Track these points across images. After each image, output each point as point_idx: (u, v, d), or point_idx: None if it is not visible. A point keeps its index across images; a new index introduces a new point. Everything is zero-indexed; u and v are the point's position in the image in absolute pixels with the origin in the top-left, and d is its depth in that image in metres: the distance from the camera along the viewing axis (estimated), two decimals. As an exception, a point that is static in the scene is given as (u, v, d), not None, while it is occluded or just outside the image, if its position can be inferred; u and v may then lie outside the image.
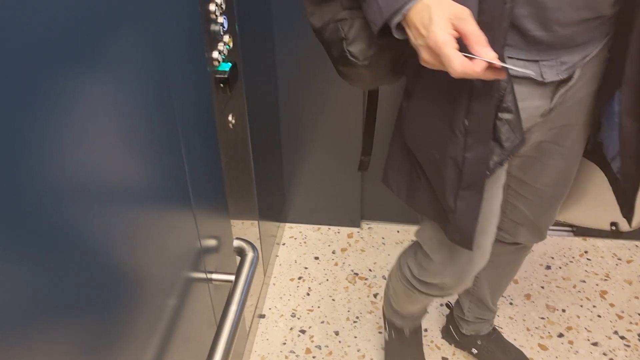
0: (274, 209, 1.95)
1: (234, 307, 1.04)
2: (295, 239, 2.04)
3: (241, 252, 1.19)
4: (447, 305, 1.68)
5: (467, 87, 0.84)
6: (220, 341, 1.00)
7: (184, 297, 1.00)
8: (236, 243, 1.22)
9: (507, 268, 1.40)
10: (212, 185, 1.12)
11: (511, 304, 1.75)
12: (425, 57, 0.79)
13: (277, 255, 1.97)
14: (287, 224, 2.11)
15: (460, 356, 1.59)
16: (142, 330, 0.81)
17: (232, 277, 1.11)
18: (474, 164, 0.89)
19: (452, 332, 1.60)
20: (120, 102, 0.70)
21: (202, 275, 1.10)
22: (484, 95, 0.84)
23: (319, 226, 2.09)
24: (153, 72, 0.80)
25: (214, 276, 1.12)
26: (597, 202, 1.13)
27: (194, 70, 0.96)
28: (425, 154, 0.96)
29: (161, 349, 0.88)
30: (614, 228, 1.19)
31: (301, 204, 2.06)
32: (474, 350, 1.56)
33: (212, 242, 1.14)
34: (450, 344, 1.62)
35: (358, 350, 1.62)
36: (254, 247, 1.20)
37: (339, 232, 2.05)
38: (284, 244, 2.02)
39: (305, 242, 2.02)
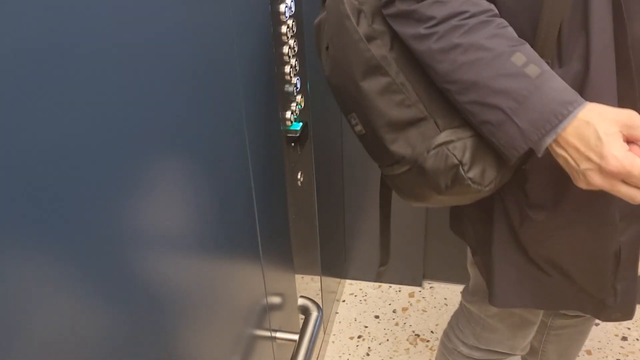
0: (335, 265, 1.95)
1: (298, 367, 1.03)
2: (356, 296, 2.01)
3: (305, 311, 1.18)
4: None
5: None
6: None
7: (247, 354, 0.99)
8: (301, 301, 1.22)
9: (575, 339, 1.33)
10: (280, 240, 1.13)
11: None
12: (595, 181, 0.69)
13: (337, 312, 1.95)
14: (348, 281, 2.08)
15: None
16: None
17: (296, 337, 1.10)
18: (630, 244, 0.85)
19: None
20: (200, 157, 0.73)
21: (267, 333, 1.09)
22: None
23: (380, 284, 2.05)
24: (232, 129, 0.83)
25: (279, 334, 1.12)
26: None
27: (269, 129, 0.99)
28: (571, 258, 0.88)
29: None
30: None
31: (362, 260, 2.04)
32: None
33: (277, 300, 1.14)
34: None
35: (420, 418, 1.55)
36: (318, 307, 1.19)
37: (400, 291, 2.01)
38: (344, 301, 1.99)
39: (365, 300, 1.99)
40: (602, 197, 0.76)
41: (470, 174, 0.76)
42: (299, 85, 1.07)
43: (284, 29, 0.95)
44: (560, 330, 1.29)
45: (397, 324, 1.87)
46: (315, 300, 1.22)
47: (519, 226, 0.86)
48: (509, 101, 0.69)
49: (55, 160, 0.44)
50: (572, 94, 0.70)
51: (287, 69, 1.01)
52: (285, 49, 0.98)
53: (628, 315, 0.92)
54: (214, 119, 0.75)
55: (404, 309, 1.93)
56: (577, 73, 0.73)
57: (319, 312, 1.16)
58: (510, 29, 0.73)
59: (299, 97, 1.09)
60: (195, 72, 0.69)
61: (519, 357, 1.40)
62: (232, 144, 0.83)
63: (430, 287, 2.01)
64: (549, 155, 0.74)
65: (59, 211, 0.44)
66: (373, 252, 2.01)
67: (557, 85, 0.69)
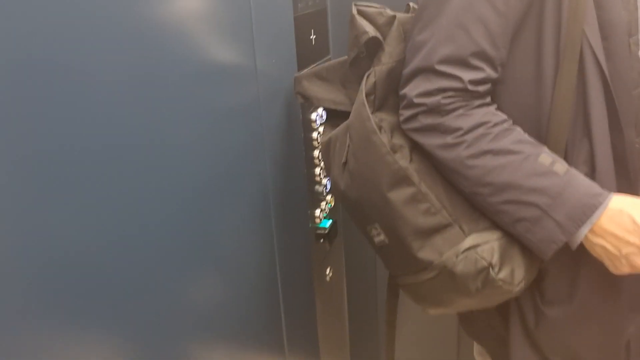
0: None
1: None
2: (389, 402, 1.97)
3: (330, 408, 1.19)
4: None
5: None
6: None
7: None
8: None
9: None
10: (306, 332, 1.17)
11: None
12: (638, 262, 0.75)
13: (369, 419, 1.90)
14: (381, 388, 2.05)
15: None
16: None
17: None
18: (638, 336, 0.88)
19: None
20: (233, 254, 0.81)
21: None
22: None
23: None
24: (261, 226, 0.91)
25: None
26: None
27: (298, 226, 1.07)
28: (586, 354, 0.89)
29: None
30: None
31: (396, 365, 2.02)
32: None
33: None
34: None
35: None
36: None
37: (435, 399, 1.96)
38: (376, 407, 1.95)
39: (398, 407, 1.94)
40: (612, 288, 0.80)
41: (501, 275, 0.78)
42: (328, 186, 1.16)
43: (314, 134, 1.06)
44: None
45: None
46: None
47: (534, 327, 0.87)
48: (543, 198, 0.75)
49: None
50: (598, 187, 0.77)
51: (318, 170, 1.10)
52: (316, 153, 1.08)
53: None
54: (244, 218, 0.84)
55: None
56: (585, 175, 0.79)
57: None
58: (529, 137, 0.80)
59: (328, 197, 1.18)
60: (227, 176, 0.79)
61: None
62: (260, 240, 0.91)
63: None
64: (562, 250, 0.78)
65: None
66: (409, 357, 1.98)
67: (582, 180, 0.77)
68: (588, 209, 0.75)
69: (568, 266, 0.83)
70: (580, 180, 0.77)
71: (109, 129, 0.54)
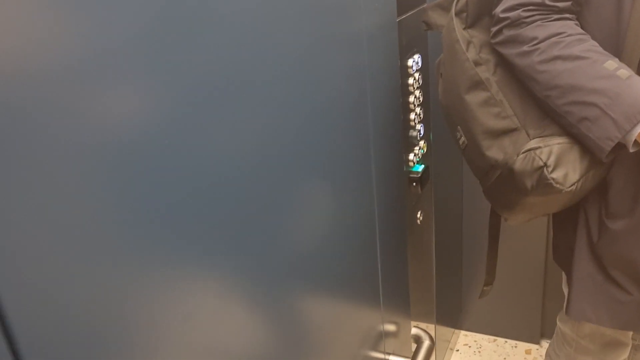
0: (451, 314, 1.98)
1: (408, 389, 1.10)
2: (470, 347, 2.03)
3: (418, 340, 1.26)
4: None
5: None
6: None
7: (363, 372, 1.09)
8: (414, 331, 1.30)
9: None
10: (398, 273, 1.23)
11: None
12: None
13: (450, 361, 1.97)
14: (462, 332, 2.10)
15: None
16: None
17: (408, 361, 1.18)
18: None
19: None
20: (337, 200, 0.87)
21: (381, 355, 1.19)
22: None
23: (495, 337, 2.05)
24: (361, 167, 0.97)
25: (392, 357, 1.21)
26: None
27: (393, 169, 1.12)
28: None
29: None
30: None
31: (478, 312, 2.06)
32: None
33: (392, 327, 1.24)
34: None
35: None
36: (430, 337, 1.26)
37: (515, 347, 1.99)
38: (457, 350, 2.01)
39: (479, 352, 2.00)
40: None
41: (554, 175, 0.86)
42: (422, 132, 1.19)
43: (410, 80, 1.09)
44: None
45: (511, 379, 1.86)
46: (428, 332, 1.30)
47: (597, 240, 0.94)
48: (603, 98, 0.81)
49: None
50: None
51: (412, 116, 1.14)
52: (411, 99, 1.11)
53: None
54: (346, 156, 0.90)
55: (520, 365, 1.91)
56: None
57: (431, 342, 1.24)
58: (601, 49, 0.86)
59: (422, 143, 1.22)
60: (332, 117, 0.85)
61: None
62: (361, 183, 0.97)
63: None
64: (628, 160, 0.86)
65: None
66: (491, 304, 2.02)
67: None
68: None
69: (632, 181, 0.89)
70: None
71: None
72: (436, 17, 1.05)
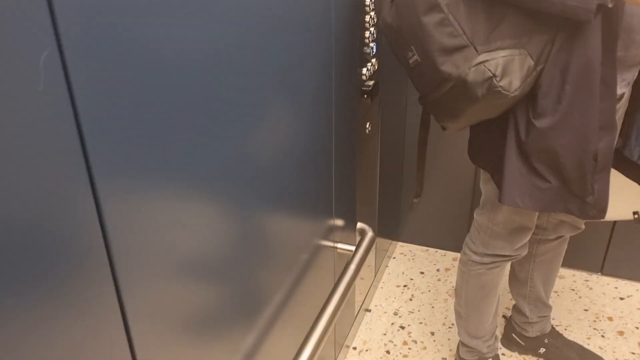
0: (389, 227, 2.21)
1: (352, 267, 1.32)
2: (405, 255, 2.28)
3: (362, 232, 1.47)
4: (504, 316, 1.90)
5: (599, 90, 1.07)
6: (338, 290, 1.27)
7: (314, 255, 1.29)
8: (359, 225, 1.51)
9: (554, 262, 1.66)
10: (349, 178, 1.42)
11: (603, 336, 1.85)
12: None
13: (387, 266, 2.22)
14: (399, 243, 2.35)
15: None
16: (278, 274, 1.11)
17: (353, 248, 1.39)
18: (605, 151, 1.12)
19: (515, 339, 1.80)
20: (300, 108, 1.03)
21: (331, 244, 1.39)
22: (612, 96, 1.08)
23: (428, 248, 2.31)
24: (324, 77, 1.13)
25: (339, 245, 1.41)
26: (618, 197, 1.36)
27: (350, 81, 1.28)
28: (567, 157, 1.14)
29: (289, 292, 1.17)
30: (636, 216, 1.48)
31: (413, 225, 2.30)
32: (542, 350, 1.75)
33: (341, 222, 1.43)
34: (513, 351, 1.82)
35: (450, 350, 1.81)
36: (373, 230, 1.47)
37: (445, 255, 2.26)
38: (394, 258, 2.27)
39: (413, 259, 2.25)
40: (587, 105, 1.06)
41: (501, 83, 1.03)
42: (374, 50, 1.36)
43: (367, 1, 1.24)
44: (543, 257, 1.63)
45: (439, 280, 2.13)
46: (370, 226, 1.50)
47: (525, 138, 1.14)
48: None
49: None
50: None
51: (367, 34, 1.30)
52: (367, 18, 1.27)
53: (602, 212, 1.18)
54: (311, 67, 1.06)
55: (447, 269, 2.18)
56: None
57: (372, 233, 1.45)
58: None
59: (374, 60, 1.38)
60: (297, 30, 0.99)
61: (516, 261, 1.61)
62: (321, 94, 1.13)
63: (473, 255, 2.25)
64: (554, 64, 1.04)
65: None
66: (425, 218, 2.26)
67: None
68: None
69: (556, 84, 1.07)
70: None
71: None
72: None
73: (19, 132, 0.47)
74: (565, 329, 1.88)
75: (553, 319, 1.87)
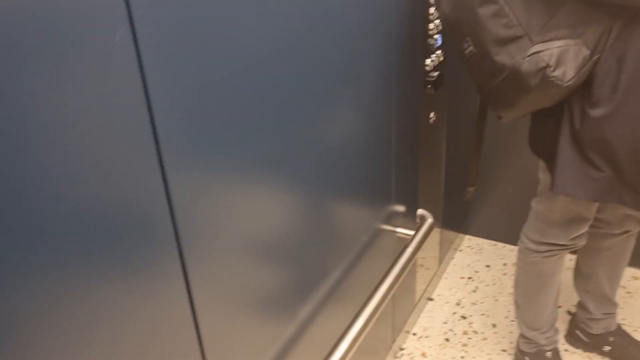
0: (456, 219, 2.23)
1: (409, 250, 1.37)
2: (472, 248, 2.29)
3: (422, 219, 1.52)
4: (569, 312, 1.87)
5: None
6: (393, 270, 1.32)
7: (373, 238, 1.35)
8: (419, 212, 1.55)
9: (620, 258, 1.61)
10: (409, 163, 1.47)
11: (674, 341, 1.79)
12: None
13: (453, 258, 2.24)
14: (467, 236, 2.36)
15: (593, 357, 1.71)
16: (337, 254, 1.19)
17: (412, 233, 1.44)
18: None
19: (579, 335, 1.77)
20: (361, 95, 1.10)
21: (391, 228, 1.44)
22: None
23: (496, 242, 2.30)
24: (381, 70, 1.18)
25: (399, 229, 1.46)
26: None
27: (411, 72, 1.33)
28: (621, 147, 1.13)
29: (347, 271, 1.24)
30: None
31: (483, 219, 2.30)
32: (606, 348, 1.71)
33: (401, 208, 1.49)
34: (577, 348, 1.79)
35: (510, 343, 1.81)
36: (433, 217, 1.51)
37: (513, 250, 2.25)
38: (460, 250, 2.28)
39: (480, 252, 2.26)
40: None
41: (555, 73, 1.05)
42: (439, 42, 1.39)
43: (432, -5, 1.29)
44: (608, 252, 1.58)
45: (505, 274, 2.13)
46: (431, 213, 1.54)
47: (579, 126, 1.14)
48: None
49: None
50: None
51: (431, 26, 1.34)
52: (431, 10, 1.31)
53: None
54: (372, 59, 1.12)
55: (514, 264, 2.16)
56: None
57: (432, 219, 1.49)
58: None
59: (438, 52, 1.42)
60: (358, 22, 1.05)
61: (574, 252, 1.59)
62: (382, 84, 1.19)
63: (543, 251, 2.22)
64: (611, 53, 1.05)
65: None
66: (494, 212, 2.26)
67: None
68: None
69: (612, 73, 1.07)
70: None
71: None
72: None
73: (100, 122, 0.57)
74: (635, 330, 1.83)
75: (623, 319, 1.83)
